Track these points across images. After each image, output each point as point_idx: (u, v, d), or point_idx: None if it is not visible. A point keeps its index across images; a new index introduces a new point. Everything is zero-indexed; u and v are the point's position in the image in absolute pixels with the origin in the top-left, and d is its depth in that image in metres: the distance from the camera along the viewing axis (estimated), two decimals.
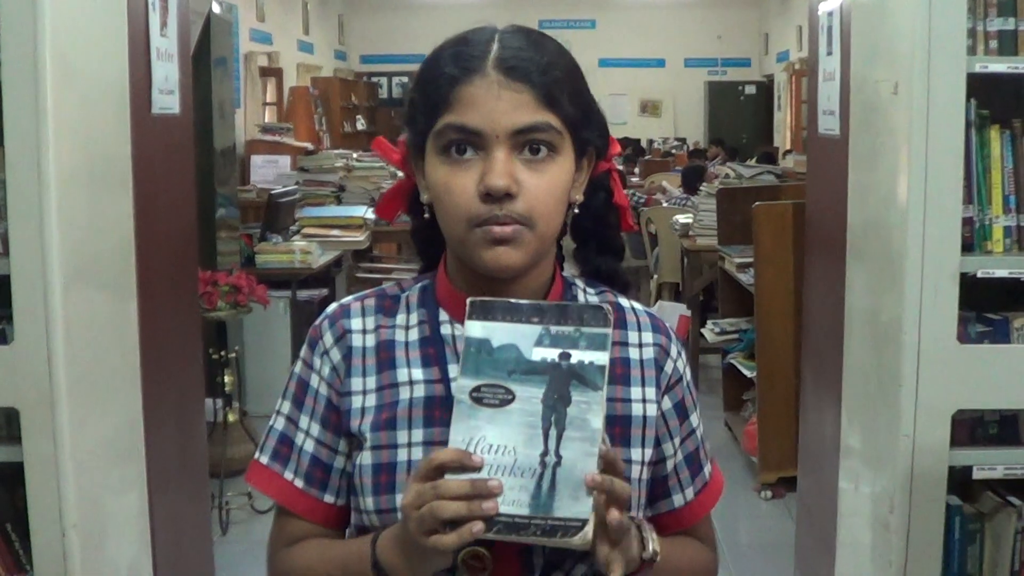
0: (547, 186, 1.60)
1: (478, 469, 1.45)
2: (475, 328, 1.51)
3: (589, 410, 1.47)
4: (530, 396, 1.47)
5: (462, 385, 1.49)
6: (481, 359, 1.49)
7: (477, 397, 1.48)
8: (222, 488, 5.47)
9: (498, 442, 1.46)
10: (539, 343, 1.49)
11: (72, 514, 2.96)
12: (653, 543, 1.60)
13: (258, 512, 5.63)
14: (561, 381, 1.48)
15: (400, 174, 1.84)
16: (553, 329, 1.50)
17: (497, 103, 1.57)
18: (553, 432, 1.46)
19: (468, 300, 1.52)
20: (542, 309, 1.51)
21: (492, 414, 1.47)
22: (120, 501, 3.30)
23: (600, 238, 1.82)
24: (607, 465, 1.47)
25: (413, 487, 1.48)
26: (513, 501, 1.45)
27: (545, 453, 1.46)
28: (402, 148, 1.77)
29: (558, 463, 1.46)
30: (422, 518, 1.44)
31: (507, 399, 1.48)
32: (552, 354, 1.49)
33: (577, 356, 1.48)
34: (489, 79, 1.58)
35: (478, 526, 1.42)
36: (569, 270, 1.84)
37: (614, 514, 1.46)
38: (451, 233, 1.64)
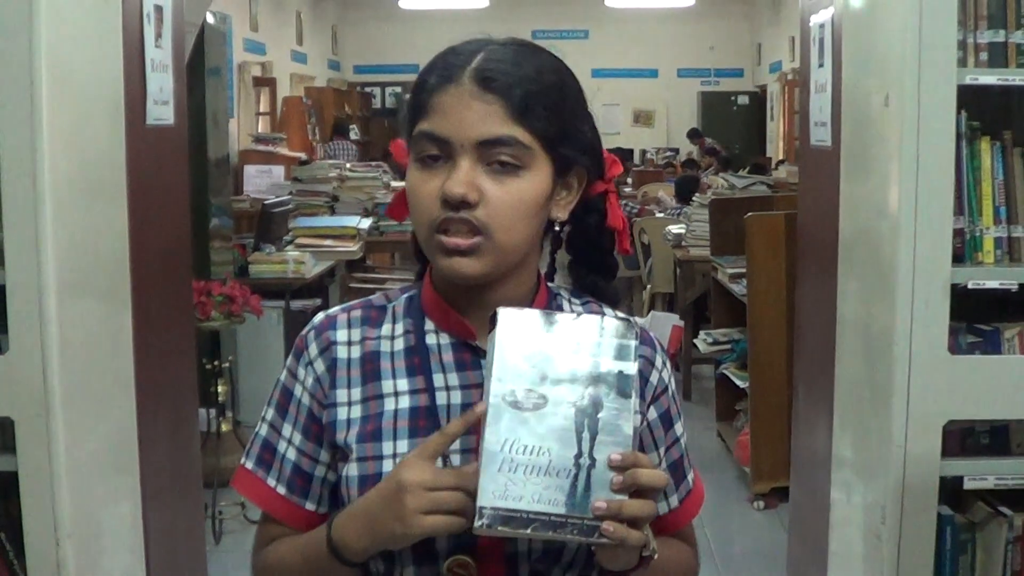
0: (510, 199, 1.60)
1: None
2: (506, 334, 1.52)
3: (620, 416, 1.50)
4: (563, 401, 1.50)
5: (496, 390, 1.50)
6: (514, 365, 1.51)
7: (511, 401, 1.49)
8: (215, 498, 5.47)
9: (533, 443, 1.48)
10: (570, 352, 1.51)
11: (66, 524, 2.96)
12: (652, 541, 1.61)
13: (251, 522, 5.61)
14: (593, 389, 1.50)
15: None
16: (582, 339, 1.52)
17: (466, 112, 1.58)
18: (586, 435, 1.49)
19: (499, 310, 1.53)
20: (571, 320, 1.54)
21: (526, 417, 1.49)
22: (114, 510, 3.30)
23: (590, 259, 1.82)
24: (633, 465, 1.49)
25: (428, 468, 1.50)
26: (550, 500, 1.47)
27: (579, 455, 1.48)
28: None
29: (592, 465, 1.48)
30: (433, 500, 1.48)
31: (540, 404, 1.49)
32: (583, 363, 1.51)
33: (607, 365, 1.51)
34: (462, 88, 1.59)
35: (461, 523, 1.47)
36: (560, 281, 1.84)
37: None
38: (419, 238, 1.67)
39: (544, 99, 1.62)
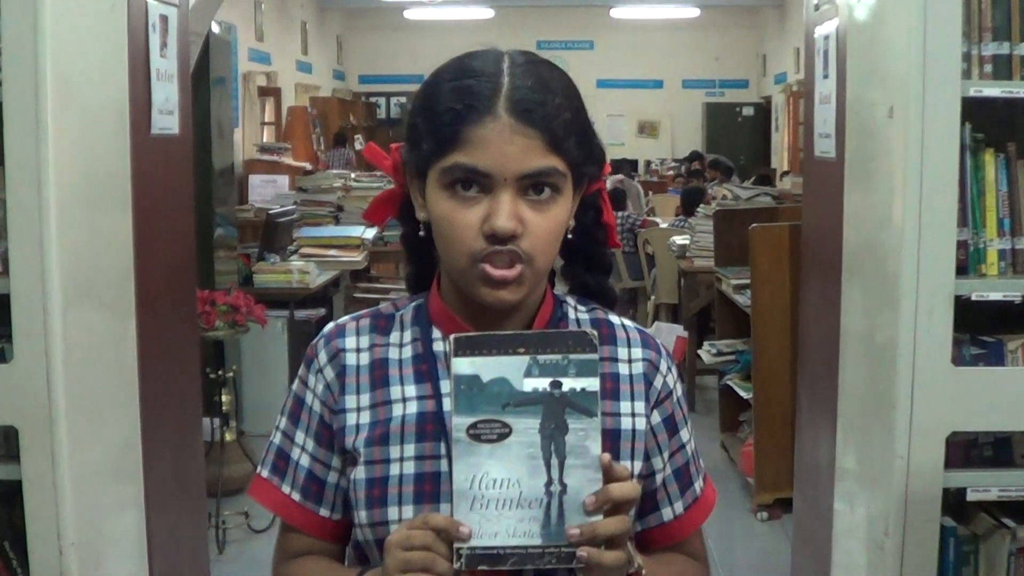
0: (549, 226, 1.62)
1: (467, 539, 1.46)
2: (463, 365, 1.49)
3: (587, 437, 1.47)
4: (527, 428, 1.47)
5: (458, 424, 1.48)
6: (473, 395, 1.48)
7: (475, 434, 1.47)
8: (219, 507, 5.47)
9: (501, 476, 1.47)
10: (529, 374, 1.48)
11: (70, 532, 2.97)
12: (636, 558, 1.61)
13: (255, 531, 5.63)
14: (556, 410, 1.47)
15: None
16: (541, 358, 1.48)
17: (508, 147, 1.57)
18: (555, 461, 1.47)
19: (451, 337, 1.51)
20: (527, 339, 1.50)
21: (491, 449, 1.47)
22: (118, 519, 3.31)
23: (589, 256, 1.84)
24: (607, 474, 1.48)
25: (403, 530, 1.50)
26: (525, 533, 1.46)
27: (549, 483, 1.47)
28: (395, 156, 1.78)
29: (563, 491, 1.46)
30: (404, 559, 1.47)
31: (504, 433, 1.47)
32: (543, 383, 1.48)
33: (568, 384, 1.48)
34: (501, 122, 1.58)
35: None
36: (559, 287, 1.85)
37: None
38: (452, 265, 1.66)
39: (575, 127, 1.64)
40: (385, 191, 1.87)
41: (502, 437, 1.47)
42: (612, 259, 1.91)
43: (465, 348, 1.49)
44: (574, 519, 1.46)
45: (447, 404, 1.67)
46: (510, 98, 1.59)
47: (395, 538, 1.49)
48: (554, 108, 1.61)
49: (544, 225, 1.61)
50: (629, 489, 1.49)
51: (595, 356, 1.49)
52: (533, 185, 1.60)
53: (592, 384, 1.48)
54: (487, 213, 1.59)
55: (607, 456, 1.48)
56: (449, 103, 1.61)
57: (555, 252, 1.67)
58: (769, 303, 6.04)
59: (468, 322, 1.72)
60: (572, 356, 1.49)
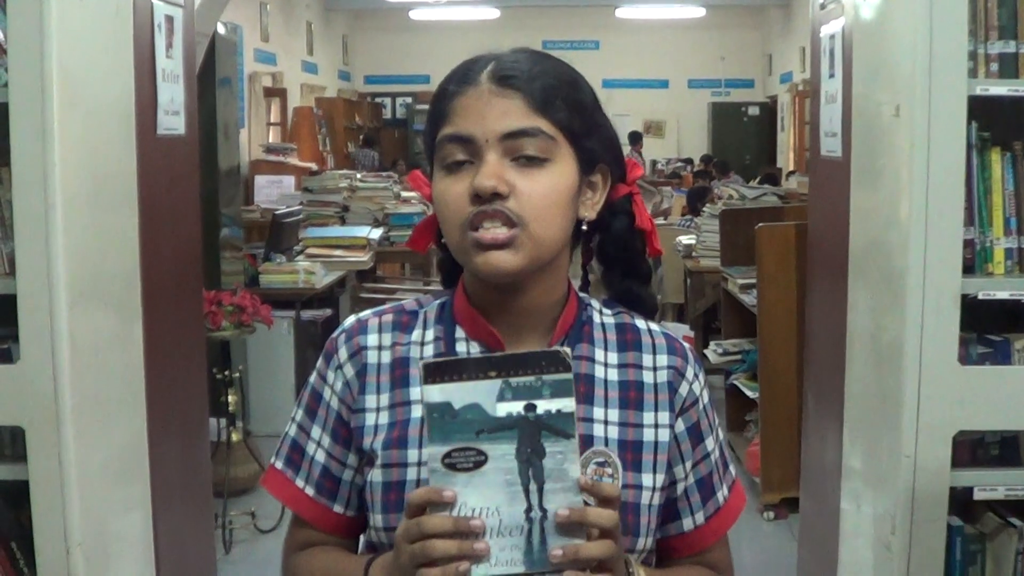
0: (541, 189, 1.60)
1: (451, 505, 1.43)
2: (433, 393, 1.44)
3: (565, 459, 1.43)
4: (503, 454, 1.43)
5: (433, 453, 1.44)
6: (446, 423, 1.44)
7: (450, 463, 1.44)
8: (226, 507, 5.47)
9: (480, 505, 1.43)
10: (501, 398, 1.44)
11: (77, 532, 2.97)
12: (640, 573, 1.60)
13: (261, 531, 5.63)
14: (532, 434, 1.43)
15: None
16: (513, 381, 1.44)
17: (487, 109, 1.60)
18: (533, 487, 1.43)
19: (421, 364, 1.47)
20: (497, 362, 1.45)
21: (468, 478, 1.44)
22: (125, 519, 3.31)
23: (624, 263, 1.82)
24: (590, 493, 1.45)
25: (404, 521, 1.48)
26: (508, 560, 1.44)
27: (529, 509, 1.43)
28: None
29: (544, 517, 1.43)
30: (413, 553, 1.44)
31: (480, 460, 1.43)
32: (517, 407, 1.43)
33: (543, 406, 1.43)
34: (481, 88, 1.61)
35: (464, 566, 1.42)
36: (596, 295, 1.83)
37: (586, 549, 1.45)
38: (450, 242, 1.66)
39: (562, 92, 1.64)
40: (426, 218, 1.85)
41: (478, 465, 1.44)
42: (651, 268, 1.88)
43: (434, 375, 1.45)
44: (557, 544, 1.43)
45: None
46: (492, 70, 1.62)
47: (410, 524, 1.46)
48: (535, 73, 1.62)
49: (536, 188, 1.60)
50: (606, 516, 1.45)
51: (569, 376, 1.44)
52: (521, 150, 1.60)
53: (568, 405, 1.44)
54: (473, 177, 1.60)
55: (584, 479, 1.45)
56: (442, 88, 1.66)
57: (557, 224, 1.64)
58: (775, 302, 6.04)
59: (492, 321, 1.71)
60: (545, 377, 1.44)
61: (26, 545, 3.03)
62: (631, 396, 1.72)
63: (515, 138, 1.60)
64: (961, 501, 3.25)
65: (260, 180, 11.56)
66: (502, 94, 1.60)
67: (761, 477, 6.13)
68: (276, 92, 16.99)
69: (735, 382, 6.90)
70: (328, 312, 7.61)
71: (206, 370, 4.35)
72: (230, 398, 5.90)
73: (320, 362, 1.79)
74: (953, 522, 3.22)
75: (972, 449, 3.25)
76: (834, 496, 3.69)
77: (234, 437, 6.00)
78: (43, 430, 2.93)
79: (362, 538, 1.81)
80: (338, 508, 1.77)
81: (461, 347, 1.72)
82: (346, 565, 1.70)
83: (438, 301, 1.80)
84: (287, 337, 7.19)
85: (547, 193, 1.61)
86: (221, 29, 7.21)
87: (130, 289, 3.32)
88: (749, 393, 6.60)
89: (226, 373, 5.85)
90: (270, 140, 15.60)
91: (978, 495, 3.19)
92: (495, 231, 1.59)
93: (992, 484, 3.18)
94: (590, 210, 1.72)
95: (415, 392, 1.70)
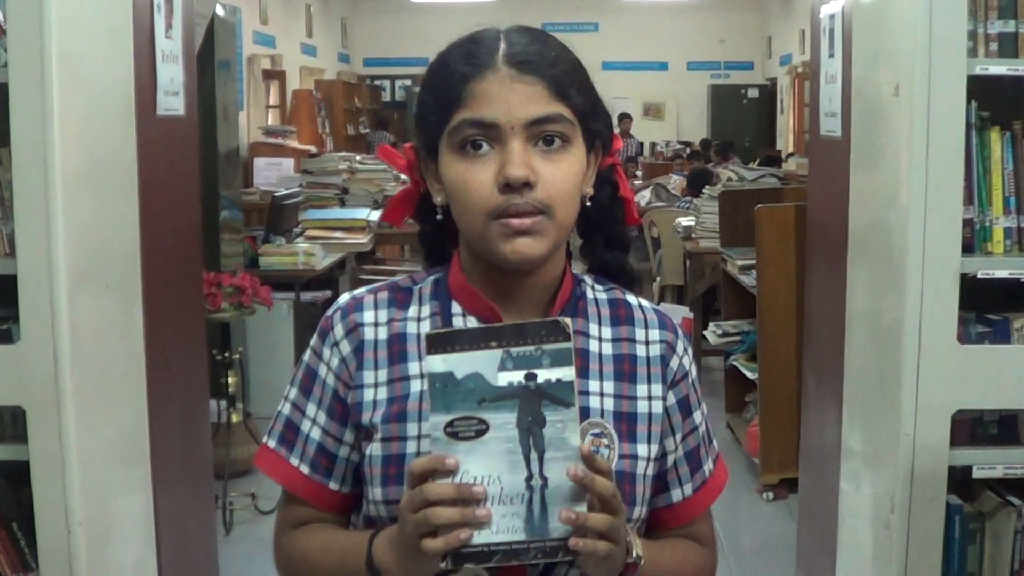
0: (563, 175, 1.62)
1: (453, 473, 1.45)
2: (436, 363, 1.46)
3: (566, 428, 1.45)
4: (504, 423, 1.45)
5: (435, 423, 1.46)
6: (448, 393, 1.46)
7: (452, 432, 1.45)
8: (226, 488, 5.49)
9: (481, 473, 1.45)
10: (503, 367, 1.46)
11: (78, 513, 2.98)
12: (636, 547, 1.60)
13: (262, 512, 5.64)
14: (532, 403, 1.46)
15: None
16: (514, 351, 1.46)
17: (511, 95, 1.59)
18: (534, 455, 1.45)
19: (424, 335, 1.50)
20: (498, 332, 1.48)
21: (470, 447, 1.45)
22: (125, 500, 3.32)
23: (607, 232, 1.83)
24: (588, 463, 1.46)
25: (407, 491, 1.49)
26: (508, 528, 1.45)
27: (530, 477, 1.45)
28: (409, 154, 1.79)
29: (545, 485, 1.45)
30: (417, 522, 1.45)
31: (482, 429, 1.45)
32: (518, 376, 1.46)
33: (543, 375, 1.46)
34: (501, 73, 1.60)
35: (465, 533, 1.43)
36: (577, 267, 1.84)
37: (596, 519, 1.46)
38: (469, 228, 1.65)
39: (575, 76, 1.66)
40: (401, 191, 1.86)
41: (479, 434, 1.46)
42: (630, 237, 1.90)
43: (437, 346, 1.47)
44: (558, 511, 1.45)
45: None
46: (508, 52, 1.62)
47: (413, 493, 1.47)
48: (552, 58, 1.63)
49: (559, 175, 1.61)
50: (608, 486, 1.47)
51: (569, 345, 1.46)
52: (542, 135, 1.61)
53: (568, 374, 1.46)
54: (499, 167, 1.59)
55: (587, 447, 1.47)
56: (451, 68, 1.64)
57: (575, 208, 1.67)
58: (775, 283, 6.04)
59: (490, 296, 1.72)
60: (545, 346, 1.46)
61: (27, 525, 3.04)
62: (625, 369, 1.75)
63: (539, 124, 1.61)
64: (960, 480, 3.26)
65: (259, 162, 11.55)
66: (523, 80, 1.60)
67: (760, 458, 6.14)
68: (275, 75, 16.99)
69: (735, 363, 6.91)
70: (328, 294, 7.60)
71: (206, 351, 4.35)
72: (230, 379, 5.90)
73: (315, 340, 1.79)
74: (952, 501, 3.22)
75: (971, 428, 3.26)
76: (833, 476, 3.69)
77: (234, 418, 6.00)
78: (44, 411, 2.93)
79: (352, 517, 1.81)
80: (333, 485, 1.77)
81: (458, 322, 1.73)
82: (348, 540, 1.71)
83: (432, 277, 1.80)
84: (287, 319, 7.20)
85: (569, 178, 1.64)
86: (220, 11, 7.19)
87: (130, 270, 3.33)
88: (748, 374, 6.61)
89: (226, 355, 5.85)
90: (269, 123, 15.58)
91: (977, 474, 3.20)
92: (523, 219, 1.60)
93: (991, 463, 3.18)
94: (588, 185, 1.74)
95: (413, 367, 1.71)
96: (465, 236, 1.71)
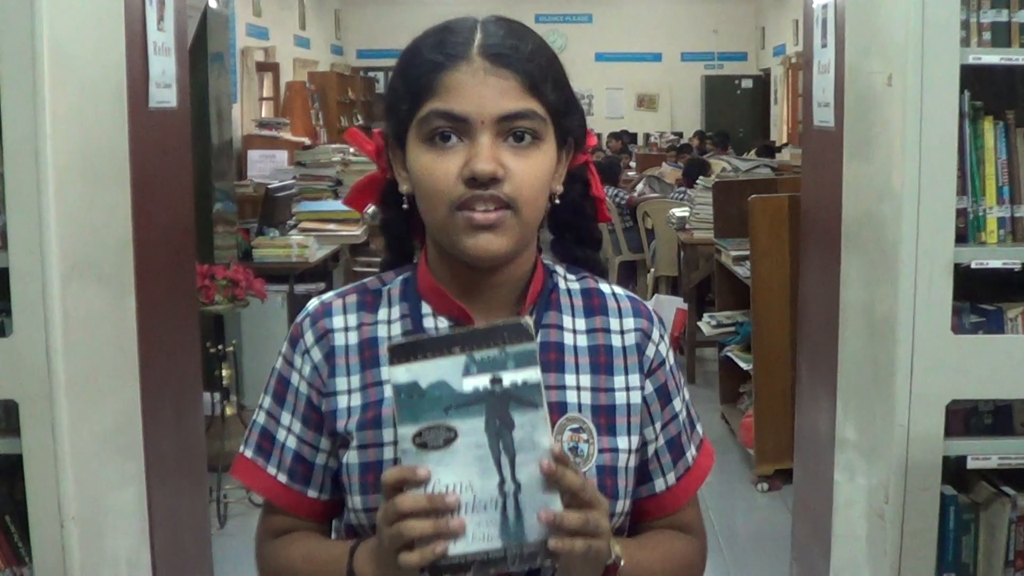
0: (532, 171, 1.60)
1: (424, 482, 1.43)
2: (400, 373, 1.44)
3: (535, 430, 1.43)
4: (473, 429, 1.43)
5: (403, 434, 1.44)
6: (414, 403, 1.43)
7: (421, 443, 1.43)
8: (220, 481, 5.49)
9: (453, 481, 1.43)
10: (467, 372, 1.43)
11: (71, 506, 2.97)
12: (615, 548, 1.58)
13: (255, 505, 5.63)
14: (499, 407, 1.43)
15: None
16: (477, 355, 1.43)
17: (483, 89, 1.57)
18: (505, 459, 1.43)
19: (387, 346, 1.47)
20: (461, 337, 1.45)
21: (440, 456, 1.43)
22: (119, 493, 3.31)
23: (578, 229, 1.83)
24: (559, 462, 1.44)
25: (382, 504, 1.47)
26: (484, 536, 1.43)
27: (502, 482, 1.43)
28: (378, 139, 1.78)
29: (518, 489, 1.43)
30: (391, 536, 1.44)
31: (451, 437, 1.43)
32: (483, 381, 1.43)
33: (509, 378, 1.43)
34: (474, 65, 1.58)
35: (440, 546, 1.41)
36: (547, 258, 1.83)
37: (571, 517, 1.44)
38: (432, 219, 1.63)
39: (549, 72, 1.63)
40: (366, 177, 1.85)
41: (448, 442, 1.43)
42: (601, 233, 1.89)
43: (400, 356, 1.44)
44: (533, 515, 1.43)
45: None
46: (483, 44, 1.60)
47: (388, 506, 1.45)
48: (528, 52, 1.61)
49: (527, 171, 1.59)
50: (579, 481, 1.45)
51: (533, 346, 1.44)
52: (513, 131, 1.59)
53: (534, 375, 1.43)
54: (466, 159, 1.57)
55: (558, 446, 1.46)
56: (423, 56, 1.62)
57: (542, 205, 1.65)
58: (768, 274, 6.05)
59: (457, 295, 1.70)
60: (509, 349, 1.44)
61: (20, 519, 3.03)
62: (601, 361, 1.73)
63: (510, 121, 1.59)
64: (954, 470, 3.26)
65: (253, 155, 11.51)
66: (496, 73, 1.58)
67: (755, 448, 6.15)
68: (268, 67, 16.96)
69: (729, 354, 6.92)
70: (322, 286, 7.58)
71: (199, 344, 4.35)
72: (224, 372, 5.91)
73: (285, 348, 1.77)
74: (946, 491, 3.23)
75: (965, 418, 3.26)
76: (828, 467, 3.70)
77: (228, 411, 6.01)
78: (36, 404, 2.92)
79: (334, 523, 1.81)
80: (312, 493, 1.75)
81: (429, 323, 1.72)
82: (329, 550, 1.70)
83: (400, 277, 1.79)
84: (280, 311, 7.18)
85: (537, 175, 1.61)
86: (213, 3, 7.18)
87: (123, 263, 3.32)
88: (743, 365, 6.62)
89: (220, 347, 5.86)
90: (262, 115, 15.57)
91: (971, 464, 3.20)
92: (487, 213, 1.58)
93: (985, 453, 3.19)
94: (558, 183, 1.73)
95: (385, 372, 1.67)
96: (429, 228, 1.68)
